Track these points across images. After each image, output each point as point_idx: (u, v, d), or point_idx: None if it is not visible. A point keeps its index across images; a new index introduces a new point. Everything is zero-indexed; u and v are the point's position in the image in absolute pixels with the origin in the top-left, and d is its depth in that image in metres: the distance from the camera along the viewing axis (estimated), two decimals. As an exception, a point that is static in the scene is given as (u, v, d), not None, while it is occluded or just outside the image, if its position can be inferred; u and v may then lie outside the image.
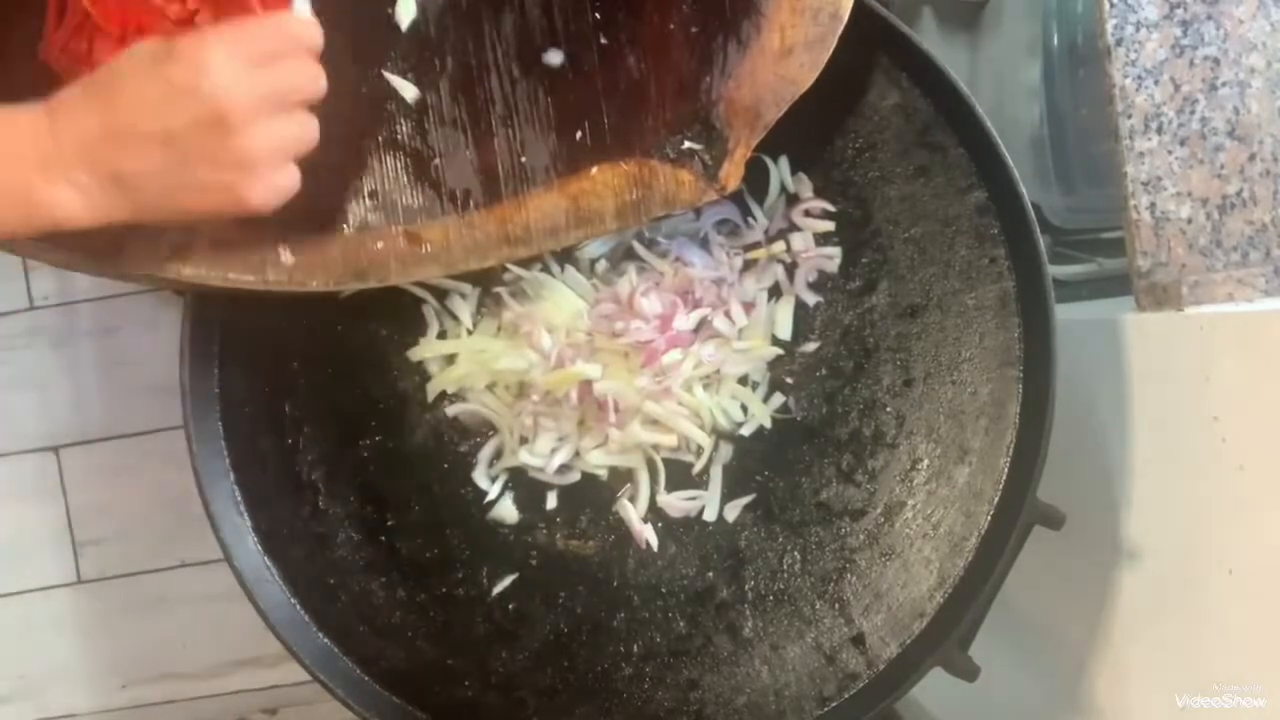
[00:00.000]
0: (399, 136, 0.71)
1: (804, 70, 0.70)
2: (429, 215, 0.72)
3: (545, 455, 0.79)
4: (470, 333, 0.80)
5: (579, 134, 0.72)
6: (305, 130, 0.61)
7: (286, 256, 0.70)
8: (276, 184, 0.59)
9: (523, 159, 0.72)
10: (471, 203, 0.72)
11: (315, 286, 0.71)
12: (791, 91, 0.70)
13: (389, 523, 0.81)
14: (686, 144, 0.71)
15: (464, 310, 0.80)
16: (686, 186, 0.72)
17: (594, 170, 0.72)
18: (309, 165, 0.62)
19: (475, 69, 0.71)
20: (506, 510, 0.81)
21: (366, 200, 0.71)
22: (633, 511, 0.80)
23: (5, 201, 0.56)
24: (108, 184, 0.57)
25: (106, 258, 0.69)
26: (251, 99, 0.57)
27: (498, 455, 0.81)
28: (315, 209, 0.68)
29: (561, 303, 0.79)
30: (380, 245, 0.71)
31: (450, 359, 0.80)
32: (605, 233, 0.73)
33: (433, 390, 0.80)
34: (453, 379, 0.80)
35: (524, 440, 0.80)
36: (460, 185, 0.72)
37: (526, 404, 0.79)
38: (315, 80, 0.61)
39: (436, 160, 0.72)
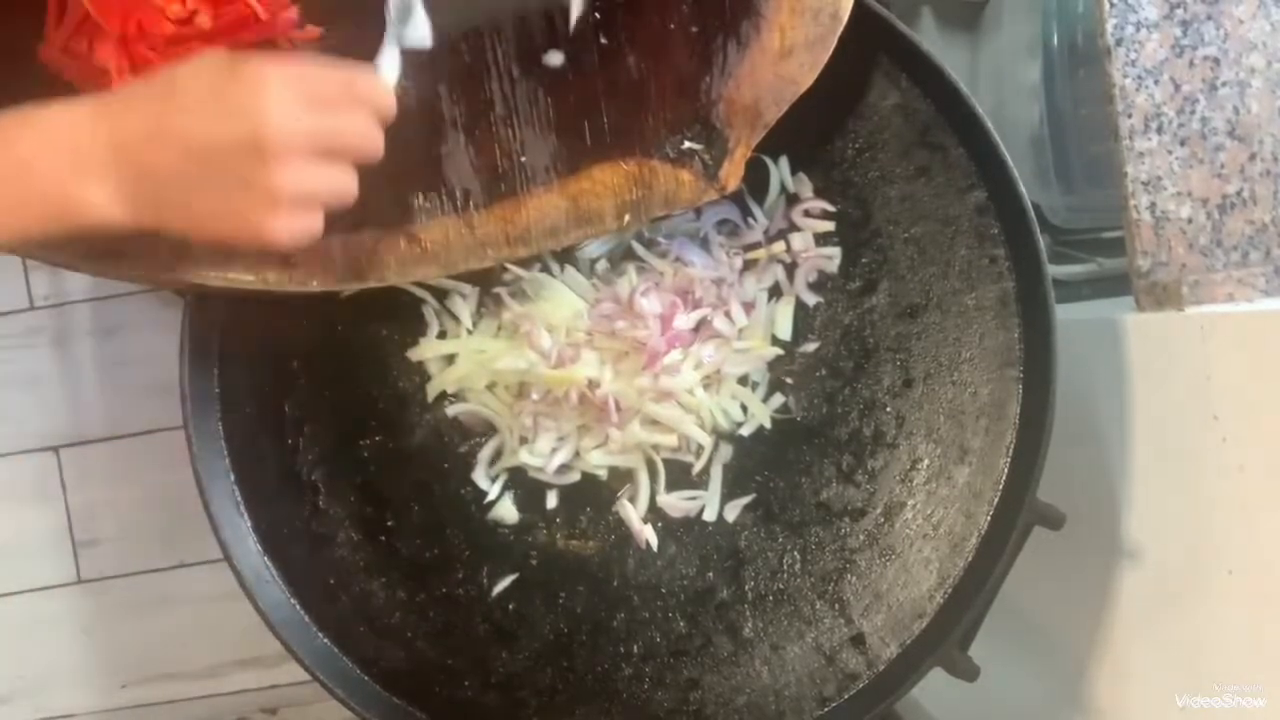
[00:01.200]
0: (398, 136, 0.71)
1: (804, 70, 0.70)
2: (429, 215, 0.72)
3: (545, 455, 0.79)
4: (470, 333, 0.80)
5: (579, 134, 0.72)
6: (342, 185, 0.60)
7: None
8: (296, 226, 0.59)
9: (523, 159, 0.72)
10: (471, 203, 0.72)
11: (315, 287, 0.71)
12: (792, 91, 0.70)
13: (389, 523, 0.81)
14: (686, 144, 0.71)
15: (464, 310, 0.80)
16: (686, 186, 0.72)
17: (594, 170, 0.72)
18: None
19: (475, 70, 0.71)
20: (506, 510, 0.81)
21: (367, 201, 0.71)
22: (633, 511, 0.80)
23: (34, 199, 0.56)
24: (135, 180, 0.56)
25: (108, 258, 0.68)
26: (297, 137, 0.57)
27: (497, 455, 0.81)
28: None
29: (561, 303, 0.79)
30: (380, 246, 0.71)
31: (450, 359, 0.80)
32: (605, 232, 0.74)
33: (432, 390, 0.80)
34: (452, 379, 0.80)
35: (524, 440, 0.80)
36: (460, 185, 0.72)
37: (526, 404, 0.79)
38: (370, 141, 0.61)
39: (436, 160, 0.72)
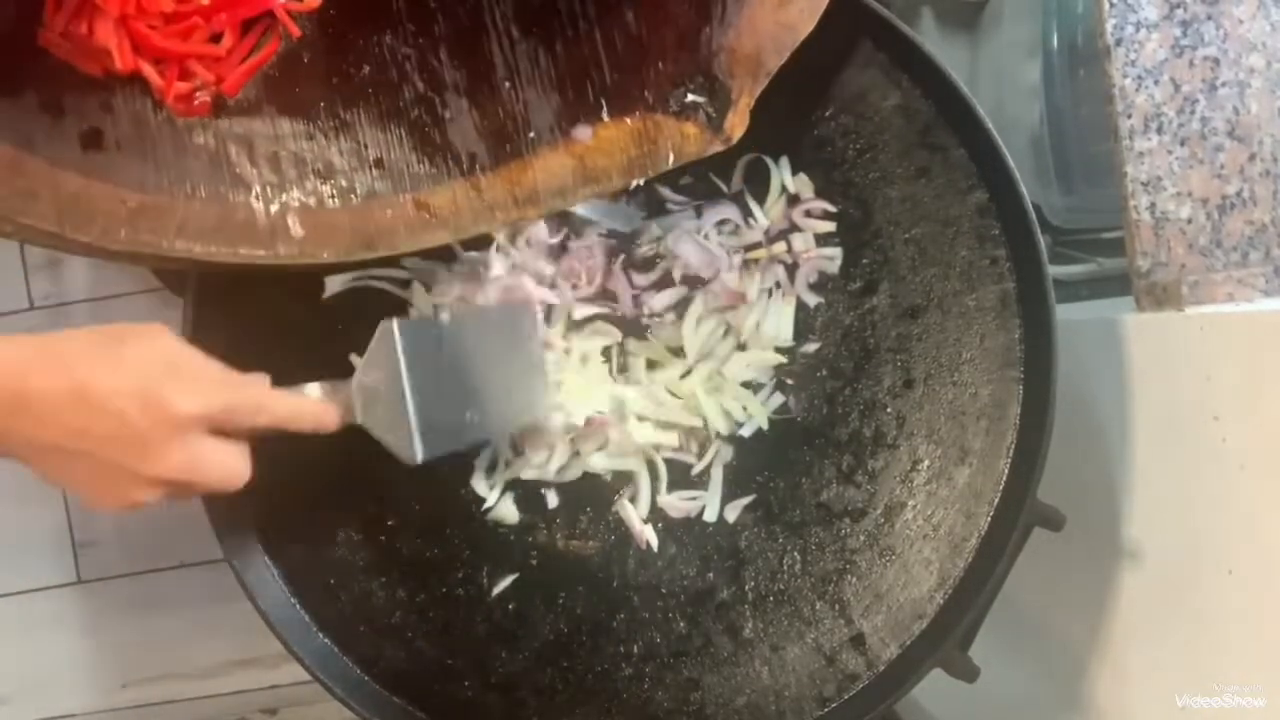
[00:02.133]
0: (402, 104, 0.71)
1: (803, 16, 0.69)
2: (435, 181, 0.71)
3: (542, 463, 0.79)
4: None
5: (581, 93, 0.71)
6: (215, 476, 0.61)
7: (296, 229, 0.69)
8: (120, 506, 0.60)
9: (527, 120, 0.71)
10: (478, 167, 0.71)
11: (326, 258, 0.70)
12: (792, 38, 0.70)
13: (389, 523, 0.81)
14: (690, 96, 0.71)
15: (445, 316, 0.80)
16: (692, 139, 0.71)
17: (599, 128, 0.71)
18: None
19: (474, 31, 0.71)
20: (507, 510, 0.81)
21: (373, 169, 0.71)
22: (633, 512, 0.80)
23: None
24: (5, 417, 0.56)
25: (115, 232, 0.67)
26: (188, 461, 0.58)
27: (494, 465, 0.81)
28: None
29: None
30: (389, 213, 0.71)
31: None
32: (613, 189, 0.73)
33: None
34: None
35: (518, 452, 0.80)
36: (465, 149, 0.71)
37: None
38: (235, 473, 0.61)
39: (441, 126, 0.71)
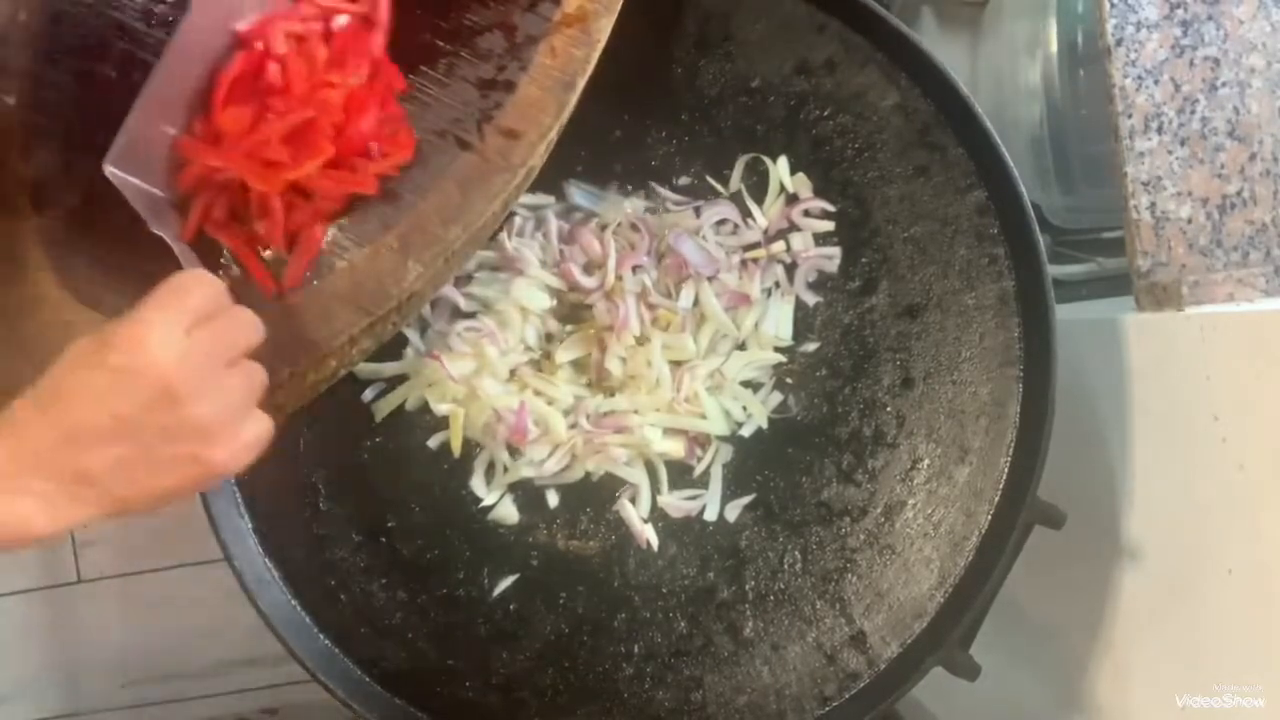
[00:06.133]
0: None
1: None
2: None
3: (538, 463, 0.79)
4: (420, 353, 0.80)
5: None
6: (255, 379, 0.58)
7: None
8: (244, 440, 0.57)
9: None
10: None
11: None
12: None
13: (389, 524, 0.81)
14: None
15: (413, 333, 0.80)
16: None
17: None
18: None
19: None
20: (507, 511, 0.81)
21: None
22: (633, 511, 0.80)
23: None
24: (72, 485, 0.54)
25: None
26: (194, 365, 0.55)
27: (491, 468, 0.81)
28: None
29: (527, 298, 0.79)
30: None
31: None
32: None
33: (379, 411, 0.80)
34: (395, 401, 0.80)
35: (515, 453, 0.80)
36: None
37: (501, 428, 0.79)
38: (253, 328, 0.59)
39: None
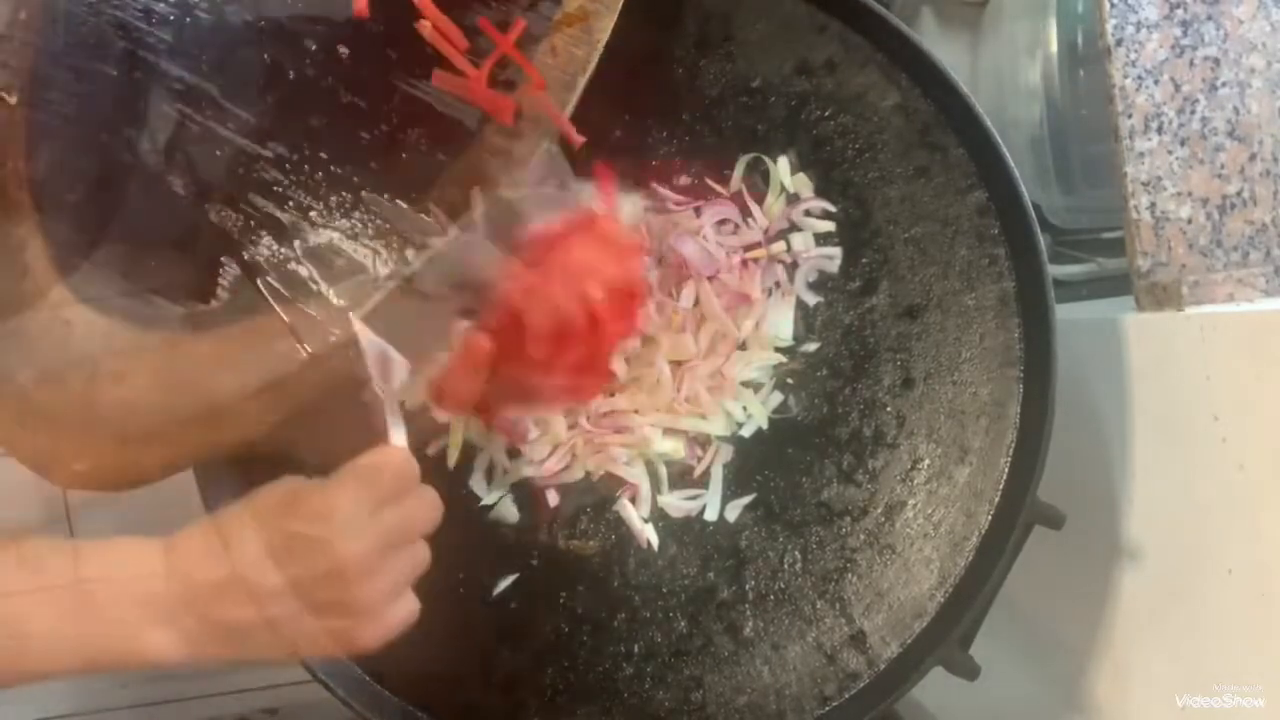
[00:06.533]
0: None
1: None
2: None
3: (539, 462, 0.79)
4: None
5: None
6: (420, 560, 0.59)
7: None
8: (390, 624, 0.58)
9: None
10: None
11: None
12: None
13: (390, 523, 0.81)
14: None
15: None
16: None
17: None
18: None
19: None
20: (507, 510, 0.81)
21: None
22: (633, 511, 0.80)
23: (98, 636, 0.55)
24: (215, 632, 0.55)
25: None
26: (374, 547, 0.56)
27: (491, 469, 0.81)
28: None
29: None
30: None
31: None
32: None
33: None
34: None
35: (515, 453, 0.80)
36: None
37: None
38: (434, 510, 0.60)
39: None
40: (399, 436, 0.60)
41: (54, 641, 0.55)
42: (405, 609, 0.59)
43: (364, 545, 0.55)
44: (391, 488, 0.57)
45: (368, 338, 0.60)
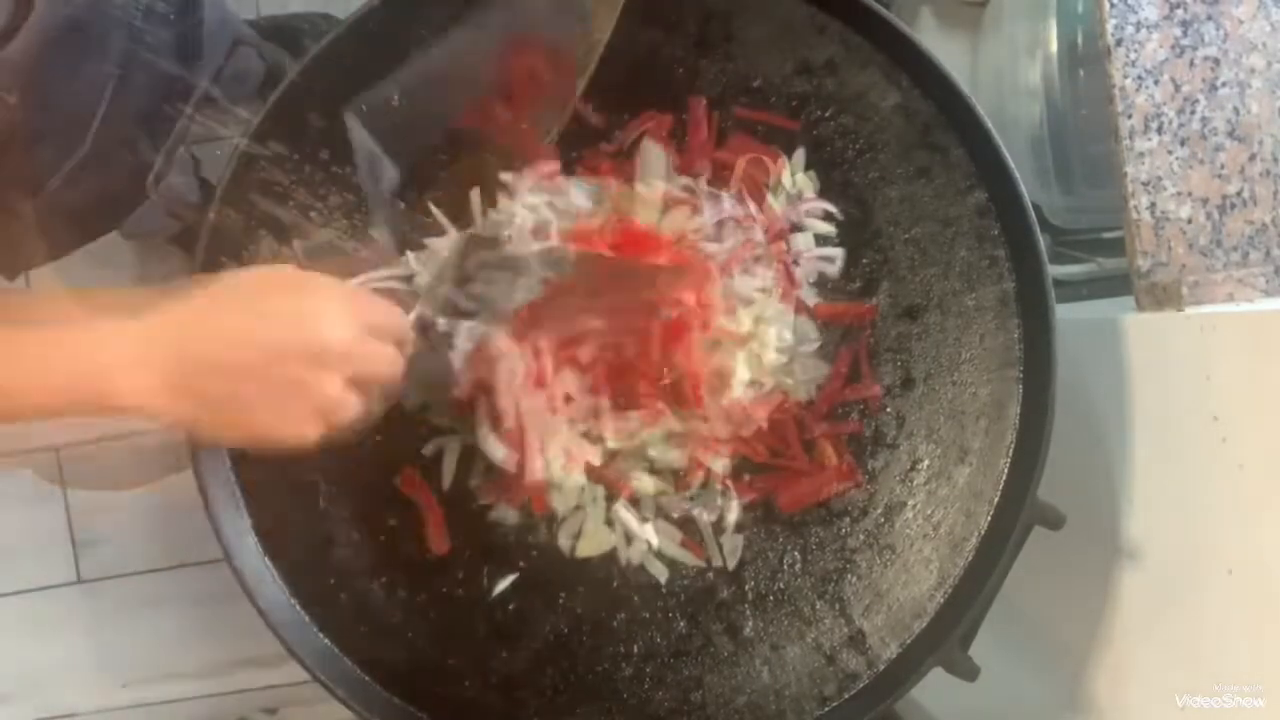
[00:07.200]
0: None
1: None
2: None
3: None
4: None
5: None
6: (365, 408, 0.64)
7: None
8: (320, 432, 0.62)
9: None
10: None
11: None
12: None
13: (390, 523, 0.81)
14: None
15: None
16: None
17: None
18: None
19: None
20: (507, 511, 0.81)
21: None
22: (633, 511, 0.80)
23: (78, 375, 0.58)
24: (185, 374, 0.58)
25: None
26: (350, 352, 0.61)
27: (491, 469, 0.81)
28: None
29: None
30: None
31: None
32: None
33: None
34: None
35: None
36: None
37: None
38: (396, 369, 0.65)
39: None
40: (383, 236, 0.68)
41: (35, 378, 0.58)
42: (356, 407, 0.63)
43: (346, 342, 0.60)
44: (382, 324, 0.63)
45: (359, 137, 0.66)
